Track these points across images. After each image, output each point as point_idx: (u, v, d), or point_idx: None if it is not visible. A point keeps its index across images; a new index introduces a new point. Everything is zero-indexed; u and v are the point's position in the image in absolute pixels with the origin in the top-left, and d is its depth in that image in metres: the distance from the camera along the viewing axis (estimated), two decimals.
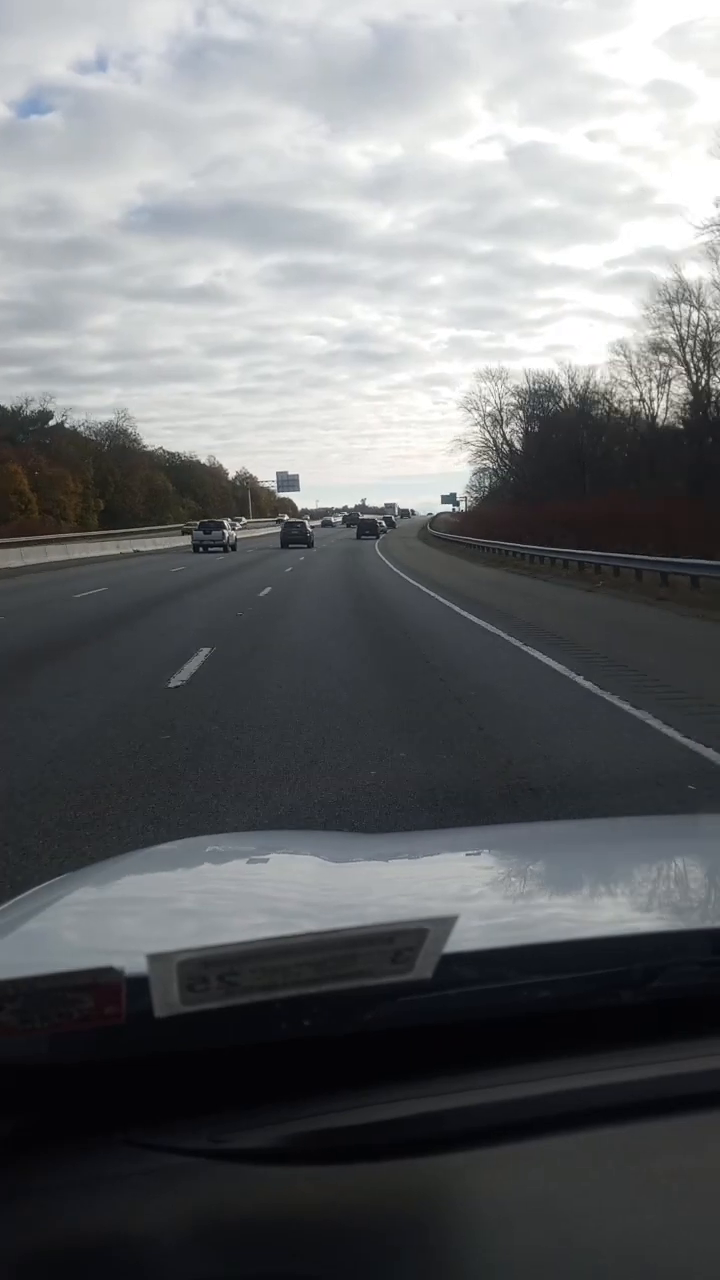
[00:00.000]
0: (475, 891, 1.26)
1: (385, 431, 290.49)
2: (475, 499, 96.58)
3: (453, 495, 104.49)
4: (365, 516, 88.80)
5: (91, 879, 1.29)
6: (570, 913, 1.15)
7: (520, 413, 62.57)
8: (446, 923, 0.69)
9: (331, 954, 0.68)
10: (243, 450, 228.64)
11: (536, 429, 59.53)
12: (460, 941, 0.73)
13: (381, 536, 67.16)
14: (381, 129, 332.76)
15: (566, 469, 49.40)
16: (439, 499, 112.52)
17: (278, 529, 62.28)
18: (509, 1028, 0.81)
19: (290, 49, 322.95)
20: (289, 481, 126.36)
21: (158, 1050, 0.74)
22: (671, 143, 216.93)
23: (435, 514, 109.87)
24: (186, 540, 56.15)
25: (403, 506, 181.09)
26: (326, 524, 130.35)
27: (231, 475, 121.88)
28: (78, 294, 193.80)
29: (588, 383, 53.56)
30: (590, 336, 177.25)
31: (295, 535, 53.82)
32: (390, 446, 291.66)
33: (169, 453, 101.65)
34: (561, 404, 56.73)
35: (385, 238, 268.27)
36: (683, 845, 1.57)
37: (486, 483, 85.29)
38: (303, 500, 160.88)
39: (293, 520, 67.59)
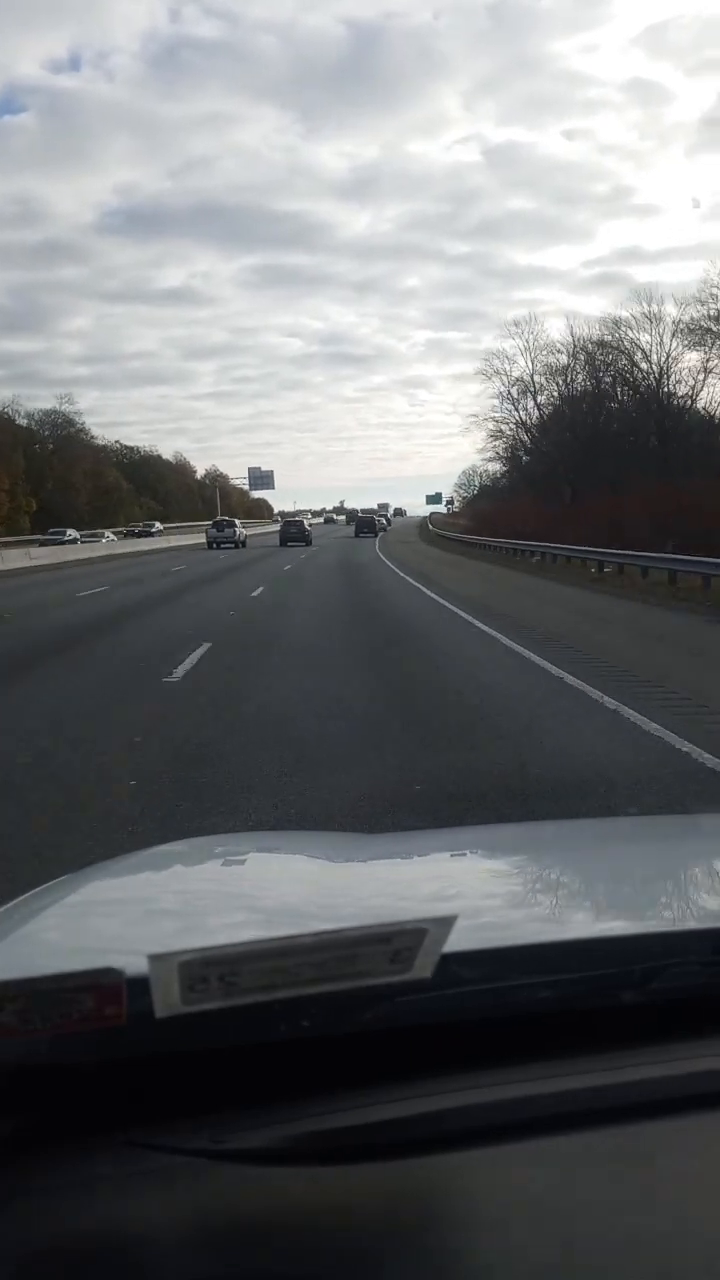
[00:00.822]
0: (475, 891, 1.26)
1: (362, 434, 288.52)
2: (463, 498, 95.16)
3: (438, 495, 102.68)
4: (364, 514, 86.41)
5: (92, 880, 1.29)
6: (570, 913, 1.15)
7: (560, 379, 47.71)
8: (446, 923, 0.70)
9: (331, 954, 0.68)
10: (219, 453, 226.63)
11: (599, 386, 44.71)
12: (460, 941, 0.73)
13: (380, 536, 65.68)
14: (358, 129, 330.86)
15: (634, 446, 39.45)
16: (424, 499, 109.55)
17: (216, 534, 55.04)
18: (509, 1028, 0.82)
19: (265, 47, 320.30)
20: (262, 479, 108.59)
21: (158, 1051, 0.74)
22: (649, 142, 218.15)
23: (430, 513, 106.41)
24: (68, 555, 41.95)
25: (395, 506, 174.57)
26: (330, 520, 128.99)
27: (200, 473, 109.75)
28: (52, 296, 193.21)
29: (677, 324, 39.71)
30: (569, 339, 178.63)
31: (294, 534, 57.35)
32: (367, 449, 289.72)
33: (125, 446, 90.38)
34: (639, 351, 41.47)
35: (362, 239, 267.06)
36: (683, 845, 1.57)
37: (477, 481, 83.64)
38: (279, 501, 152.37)
39: (291, 519, 71.30)
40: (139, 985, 0.65)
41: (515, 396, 52.21)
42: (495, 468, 61.72)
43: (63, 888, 1.24)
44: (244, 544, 54.44)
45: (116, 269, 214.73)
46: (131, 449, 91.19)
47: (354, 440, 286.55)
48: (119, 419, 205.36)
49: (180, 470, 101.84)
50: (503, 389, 52.88)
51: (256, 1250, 0.66)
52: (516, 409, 52.63)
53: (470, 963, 0.81)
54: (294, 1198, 0.69)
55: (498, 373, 52.20)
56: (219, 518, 63.50)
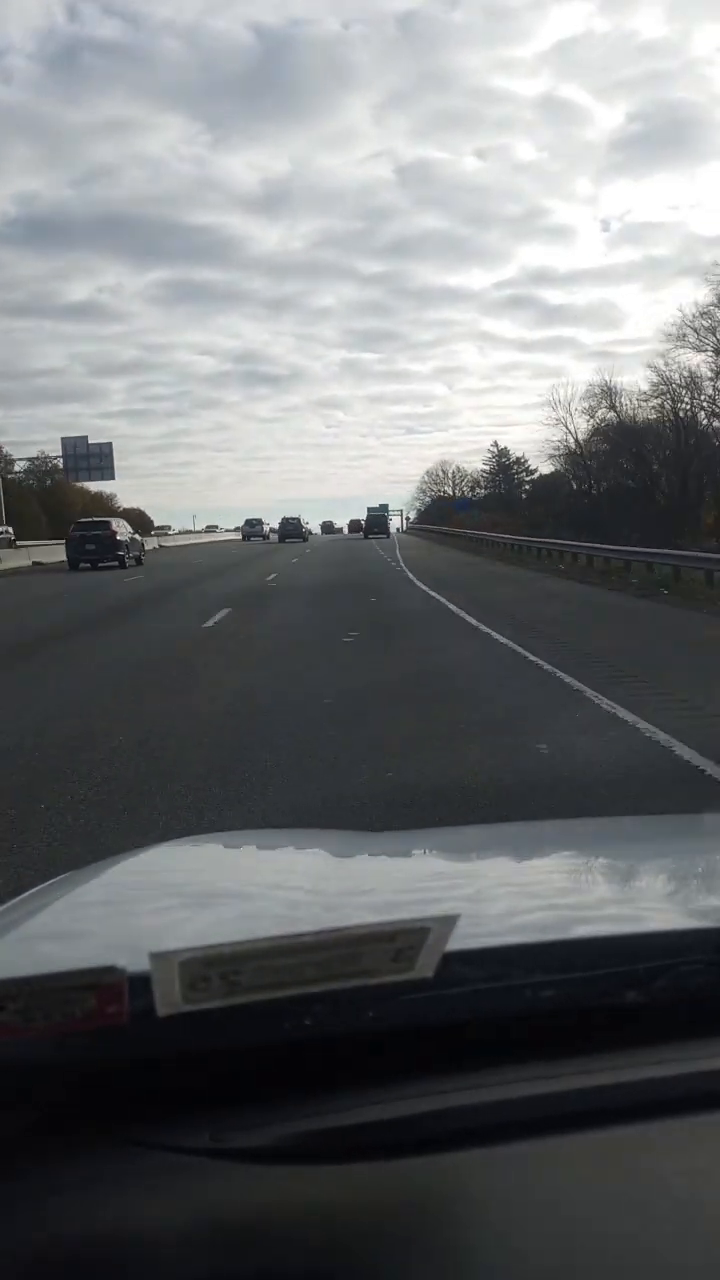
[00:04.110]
0: (477, 890, 1.26)
1: (279, 454, 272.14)
2: (421, 508, 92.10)
3: (384, 507, 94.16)
4: (373, 514, 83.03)
5: (93, 877, 1.29)
6: (573, 912, 1.15)
7: None
8: (448, 922, 0.69)
9: (333, 953, 0.68)
10: (133, 473, 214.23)
11: None
12: (462, 940, 0.73)
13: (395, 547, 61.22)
14: (267, 140, 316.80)
15: None
16: (365, 513, 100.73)
17: None
18: (511, 1027, 0.81)
19: (169, 52, 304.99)
20: (89, 460, 60.51)
21: (160, 1050, 0.74)
22: (560, 163, 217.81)
23: (408, 523, 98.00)
24: None
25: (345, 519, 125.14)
26: (333, 529, 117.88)
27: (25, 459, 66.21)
28: None
29: None
30: (480, 360, 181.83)
31: (291, 531, 68.57)
32: (282, 469, 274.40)
33: None
34: None
35: (274, 255, 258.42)
36: (685, 844, 1.58)
37: (449, 486, 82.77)
38: (179, 520, 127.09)
39: (290, 519, 75.19)
40: (141, 983, 0.65)
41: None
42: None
43: (63, 886, 1.24)
44: (268, 537, 75.01)
45: (19, 281, 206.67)
46: None
47: (270, 460, 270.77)
48: (25, 438, 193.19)
49: None
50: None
51: (256, 1250, 0.65)
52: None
53: (473, 962, 0.81)
54: (294, 1198, 0.69)
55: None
56: (252, 518, 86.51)
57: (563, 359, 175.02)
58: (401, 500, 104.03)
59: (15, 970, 0.67)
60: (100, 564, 32.99)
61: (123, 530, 34.58)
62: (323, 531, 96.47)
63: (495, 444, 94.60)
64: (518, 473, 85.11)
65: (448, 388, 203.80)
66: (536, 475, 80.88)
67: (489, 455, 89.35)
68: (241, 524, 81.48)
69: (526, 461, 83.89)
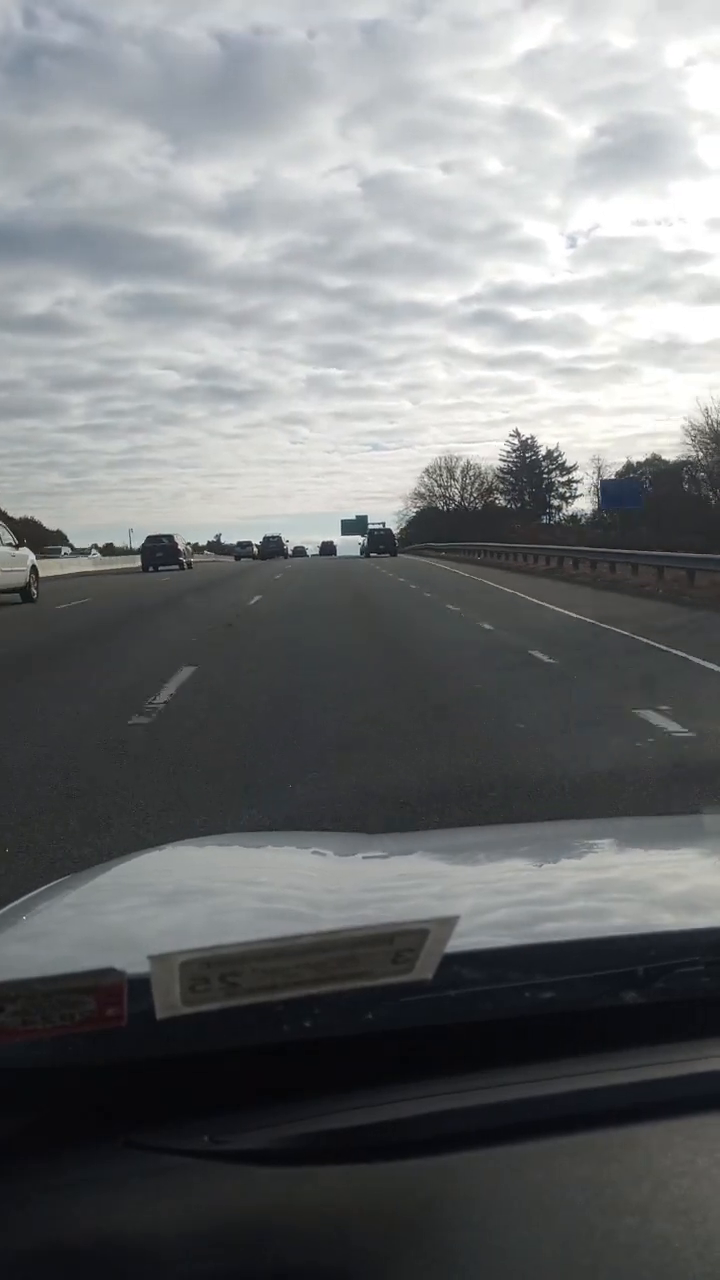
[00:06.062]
0: (477, 891, 1.26)
1: (244, 471, 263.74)
2: (408, 519, 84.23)
3: (362, 520, 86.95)
4: (376, 531, 72.03)
5: (94, 879, 1.29)
6: (572, 913, 1.15)
7: None
8: (448, 923, 0.69)
9: (333, 955, 0.68)
10: (95, 489, 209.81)
11: None
12: (462, 942, 0.73)
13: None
14: (231, 152, 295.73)
15: None
16: (339, 527, 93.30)
17: None
18: (511, 1028, 0.81)
19: (129, 59, 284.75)
20: None
21: (159, 1052, 0.74)
22: (527, 177, 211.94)
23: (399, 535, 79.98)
24: None
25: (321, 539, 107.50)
26: (303, 552, 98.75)
27: None
28: None
29: None
30: (446, 377, 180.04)
31: (273, 550, 74.54)
32: (249, 485, 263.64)
33: None
34: None
35: (238, 269, 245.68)
36: (685, 845, 1.57)
37: (457, 488, 73.35)
38: (114, 536, 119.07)
39: (271, 537, 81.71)
40: (140, 986, 0.65)
41: None
42: None
43: (63, 888, 1.24)
44: (254, 555, 76.73)
45: None
46: None
47: (236, 477, 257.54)
48: None
49: None
50: None
51: (257, 1250, 0.66)
52: None
53: (472, 963, 0.81)
54: (294, 1198, 0.69)
55: None
56: (243, 540, 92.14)
57: (529, 375, 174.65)
58: (376, 516, 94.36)
59: (14, 972, 0.67)
60: (162, 567, 43.43)
61: (182, 542, 46.65)
62: (293, 554, 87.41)
63: (517, 433, 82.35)
64: (548, 470, 73.78)
65: (413, 404, 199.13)
66: (573, 472, 70.02)
67: (507, 450, 75.93)
68: (234, 545, 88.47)
69: (560, 456, 73.53)
